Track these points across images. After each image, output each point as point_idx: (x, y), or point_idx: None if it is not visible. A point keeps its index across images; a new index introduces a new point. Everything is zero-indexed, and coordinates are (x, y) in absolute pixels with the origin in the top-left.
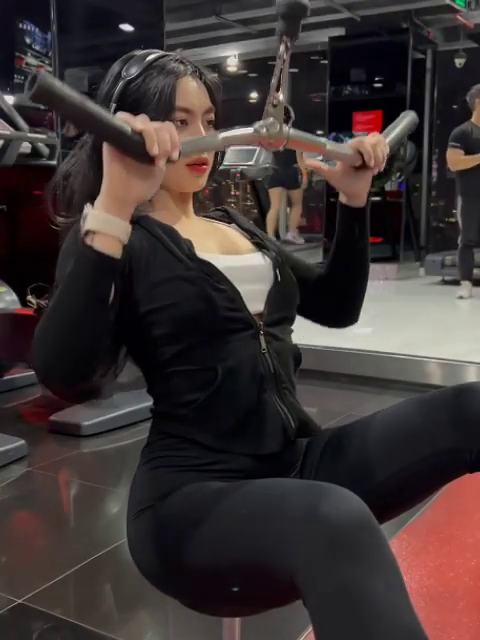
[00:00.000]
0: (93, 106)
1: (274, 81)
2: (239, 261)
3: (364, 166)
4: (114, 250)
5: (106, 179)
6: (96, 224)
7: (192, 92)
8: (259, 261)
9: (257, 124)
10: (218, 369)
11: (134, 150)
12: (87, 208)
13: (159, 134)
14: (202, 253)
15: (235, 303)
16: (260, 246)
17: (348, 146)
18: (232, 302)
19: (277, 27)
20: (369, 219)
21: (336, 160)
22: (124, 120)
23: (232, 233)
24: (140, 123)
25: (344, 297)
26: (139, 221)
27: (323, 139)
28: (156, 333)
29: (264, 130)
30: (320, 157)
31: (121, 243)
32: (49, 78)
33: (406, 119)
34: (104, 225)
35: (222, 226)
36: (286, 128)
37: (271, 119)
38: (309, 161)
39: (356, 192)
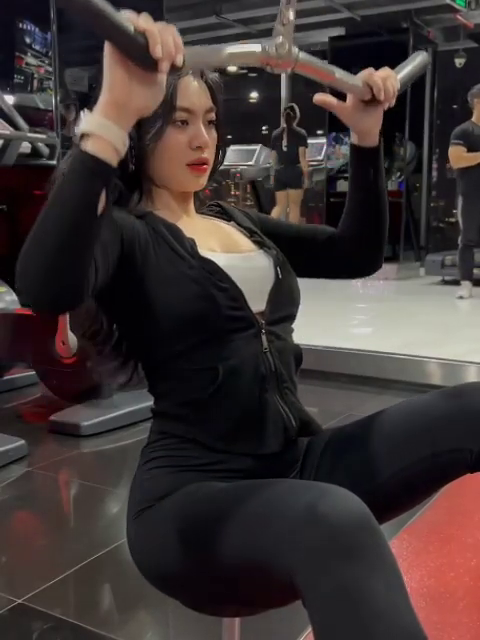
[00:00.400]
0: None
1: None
2: (241, 259)
3: (374, 100)
4: (109, 155)
5: (106, 84)
6: (92, 127)
7: (193, 92)
8: (261, 259)
9: (266, 42)
10: (219, 368)
11: (137, 51)
12: (84, 113)
13: (163, 35)
14: (204, 251)
15: (237, 302)
16: (260, 244)
17: (358, 78)
18: (234, 301)
19: None
20: (383, 161)
21: (345, 91)
22: (127, 18)
23: (232, 231)
24: (144, 22)
25: (367, 242)
26: (143, 216)
27: (332, 67)
28: (158, 331)
29: (273, 49)
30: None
31: (116, 152)
32: None
33: (418, 58)
34: (100, 129)
35: (222, 224)
36: (295, 49)
37: (280, 38)
38: (319, 96)
39: (366, 129)
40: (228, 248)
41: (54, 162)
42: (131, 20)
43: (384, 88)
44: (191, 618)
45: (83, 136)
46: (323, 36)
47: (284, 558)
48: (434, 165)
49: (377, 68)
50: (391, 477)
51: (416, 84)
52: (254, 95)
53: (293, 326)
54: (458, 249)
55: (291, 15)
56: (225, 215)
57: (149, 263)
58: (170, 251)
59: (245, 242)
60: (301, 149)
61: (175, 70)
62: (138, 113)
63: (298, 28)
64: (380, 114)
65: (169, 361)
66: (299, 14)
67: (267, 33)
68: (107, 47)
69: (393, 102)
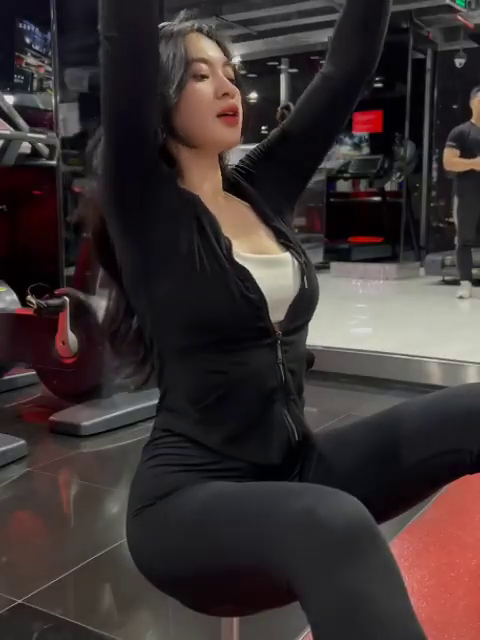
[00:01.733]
0: None
1: None
2: (269, 265)
3: None
4: None
5: None
6: None
7: (205, 45)
8: (288, 266)
9: None
10: (229, 374)
11: None
12: None
13: None
14: (238, 254)
15: (260, 312)
16: (287, 246)
17: None
18: (258, 311)
19: None
20: None
21: None
22: None
23: (258, 227)
24: None
25: (366, 30)
26: (193, 200)
27: None
28: (176, 321)
29: None
30: None
31: None
32: None
33: None
34: None
35: (245, 210)
36: None
37: None
38: None
39: None
40: (256, 249)
41: (54, 162)
42: None
43: None
44: (191, 618)
45: None
46: (323, 36)
47: (283, 561)
48: (434, 165)
49: (377, 69)
50: (391, 478)
51: (416, 84)
52: (254, 95)
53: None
54: (455, 249)
55: None
56: (241, 194)
57: (182, 243)
58: (208, 247)
59: (272, 243)
60: None
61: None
62: None
63: (298, 28)
64: None
65: (180, 357)
66: (299, 14)
67: (267, 34)
68: None
69: None
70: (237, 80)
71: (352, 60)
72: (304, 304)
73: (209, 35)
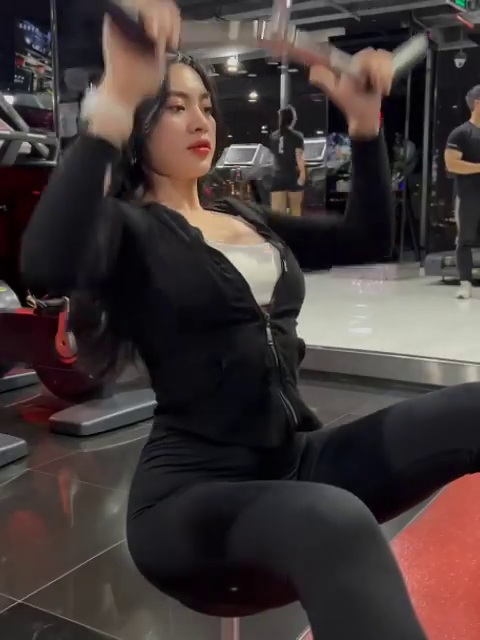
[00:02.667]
0: None
1: None
2: (247, 251)
3: (369, 87)
4: (114, 135)
5: (109, 64)
6: (98, 108)
7: (185, 77)
8: (267, 252)
9: (263, 24)
10: (223, 361)
11: (133, 29)
12: (90, 93)
13: (159, 13)
14: (210, 241)
15: (242, 293)
16: (267, 237)
17: (354, 63)
18: (239, 292)
19: None
20: (385, 147)
21: (340, 72)
22: None
23: (239, 224)
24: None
25: (374, 230)
26: (147, 206)
27: (330, 49)
28: (162, 322)
29: (269, 31)
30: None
31: (121, 132)
32: None
33: (417, 43)
34: (105, 110)
35: (229, 217)
36: (291, 32)
37: (276, 22)
38: (314, 75)
39: (364, 114)
40: (234, 240)
41: (54, 162)
42: None
43: (380, 76)
44: (191, 618)
45: (88, 117)
46: (323, 36)
47: (284, 559)
48: (434, 165)
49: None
50: (391, 477)
51: (416, 84)
52: (254, 95)
53: (297, 320)
54: (456, 249)
55: (288, 1)
56: (232, 210)
57: (153, 252)
58: (175, 239)
59: (252, 235)
60: (297, 151)
61: (171, 48)
62: (140, 92)
63: (298, 28)
64: (378, 100)
65: (173, 354)
66: (299, 14)
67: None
68: (106, 27)
69: (388, 90)
70: (214, 108)
71: (362, 249)
72: (289, 288)
73: (192, 65)
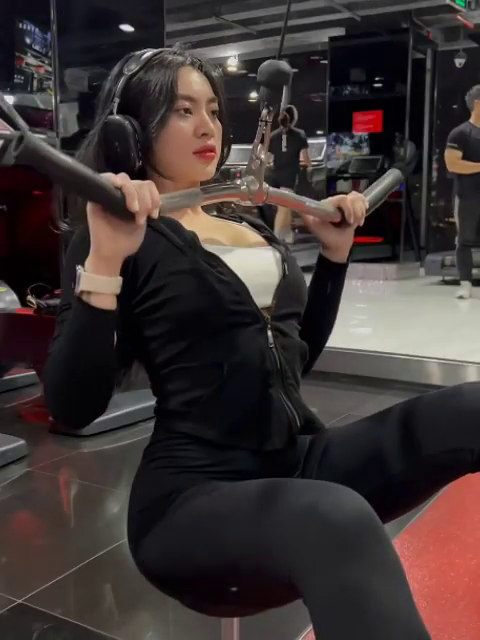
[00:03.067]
0: (77, 165)
1: (256, 141)
2: (247, 253)
3: (344, 222)
4: (109, 304)
5: (94, 241)
6: (89, 286)
7: (193, 81)
8: (268, 254)
9: (238, 181)
10: (224, 365)
11: (116, 207)
12: (79, 270)
13: (140, 191)
14: (207, 245)
15: (241, 296)
16: (270, 240)
17: (328, 202)
18: (237, 295)
19: (259, 93)
20: (345, 276)
21: (316, 216)
22: (106, 178)
23: (240, 227)
24: (120, 180)
25: (309, 331)
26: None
27: (302, 197)
28: (161, 329)
29: (244, 186)
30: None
31: (114, 296)
32: (35, 140)
33: (389, 177)
34: (96, 286)
35: (233, 223)
36: (266, 186)
37: (252, 177)
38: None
39: (335, 245)
40: (234, 242)
41: None
42: (110, 179)
43: (353, 211)
44: (191, 618)
45: (82, 293)
46: (323, 36)
47: (286, 557)
48: (434, 165)
49: (377, 68)
50: (393, 477)
51: (416, 84)
52: (254, 95)
53: (298, 325)
54: (456, 249)
55: (262, 156)
56: (238, 218)
57: (148, 264)
58: (170, 246)
59: (254, 237)
60: (303, 150)
61: (153, 219)
62: (124, 256)
63: (298, 28)
64: (351, 234)
65: (173, 359)
66: (299, 14)
67: (267, 34)
68: (89, 206)
69: (361, 222)
70: (222, 112)
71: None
72: (290, 290)
73: (201, 68)
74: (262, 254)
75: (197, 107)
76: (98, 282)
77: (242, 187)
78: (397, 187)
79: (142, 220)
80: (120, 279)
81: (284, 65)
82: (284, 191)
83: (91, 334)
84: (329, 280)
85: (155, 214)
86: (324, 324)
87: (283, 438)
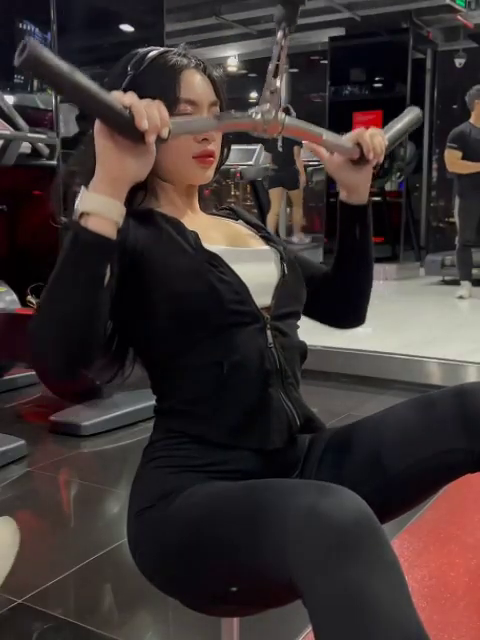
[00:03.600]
0: (83, 78)
1: (271, 67)
2: (247, 253)
3: (363, 159)
4: (109, 231)
5: (99, 160)
6: (90, 205)
7: (196, 84)
8: (267, 254)
9: (253, 109)
10: (224, 364)
11: (124, 125)
12: (82, 188)
13: (148, 110)
14: (208, 244)
15: (241, 296)
16: (268, 240)
17: (347, 138)
18: (238, 294)
19: (275, 13)
20: (371, 218)
21: (334, 151)
22: (114, 96)
23: (239, 227)
24: (128, 98)
25: (349, 297)
26: (144, 214)
27: (320, 129)
28: (161, 327)
29: (259, 116)
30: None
31: (116, 225)
32: (39, 46)
33: (409, 115)
34: (99, 206)
35: (229, 222)
36: (282, 115)
37: (267, 105)
38: (308, 144)
39: (355, 185)
40: (234, 242)
41: (54, 162)
42: (118, 98)
43: (372, 146)
44: (191, 618)
45: (82, 214)
46: (323, 36)
47: (285, 557)
48: (434, 165)
49: (377, 68)
50: (393, 477)
51: (416, 84)
52: (254, 95)
53: (298, 323)
54: (456, 249)
55: (278, 83)
56: (234, 215)
57: (150, 261)
58: (173, 245)
59: (252, 237)
60: (296, 149)
61: (161, 141)
62: (132, 182)
63: (298, 28)
64: (369, 172)
65: (173, 358)
66: (299, 14)
67: (267, 34)
68: (97, 125)
69: (381, 159)
70: None
71: (336, 310)
72: (289, 290)
73: (205, 71)
74: (261, 254)
75: (199, 111)
76: (100, 202)
77: (257, 117)
78: (417, 125)
79: (151, 139)
80: (123, 208)
81: None
82: (301, 122)
83: (85, 262)
84: (356, 224)
85: (164, 133)
86: (363, 271)
87: (283, 437)
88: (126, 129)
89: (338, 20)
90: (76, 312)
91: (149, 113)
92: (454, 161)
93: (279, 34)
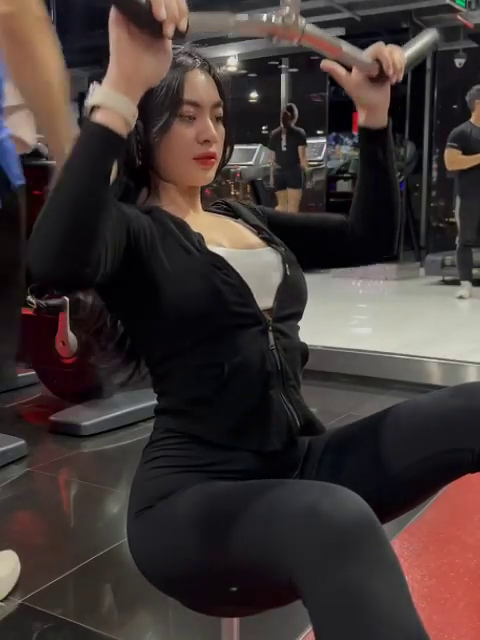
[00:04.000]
0: None
1: None
2: (249, 255)
3: (382, 76)
4: (119, 126)
5: (113, 55)
6: (102, 99)
7: (200, 86)
8: (269, 256)
9: (273, 12)
10: (225, 365)
11: (141, 14)
12: (94, 84)
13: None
14: (212, 246)
15: (244, 298)
16: (268, 241)
17: (366, 54)
18: (241, 297)
19: None
20: (392, 142)
21: (352, 66)
22: None
23: (240, 227)
24: None
25: (381, 225)
26: (150, 211)
27: (340, 41)
28: (163, 327)
29: (280, 19)
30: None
31: (126, 123)
32: None
33: (427, 36)
34: (110, 100)
35: (230, 221)
36: (302, 20)
37: (287, 9)
38: (326, 63)
39: (374, 104)
40: (236, 244)
41: (54, 162)
42: None
43: (392, 62)
44: (191, 618)
45: (93, 108)
46: None
47: (285, 558)
48: (434, 165)
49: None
50: (393, 477)
51: (416, 84)
52: (254, 95)
53: (299, 324)
54: (456, 249)
55: None
56: (232, 212)
57: (155, 257)
58: (177, 245)
59: (253, 238)
60: (300, 148)
61: (179, 35)
62: (146, 83)
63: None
64: (387, 90)
65: (174, 358)
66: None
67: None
68: (112, 14)
69: (400, 77)
70: (226, 115)
71: (367, 247)
72: (291, 292)
73: (209, 71)
74: (263, 256)
75: (201, 113)
76: (111, 97)
77: (277, 20)
78: (435, 48)
79: (170, 30)
80: (136, 108)
81: None
82: (321, 31)
83: (92, 156)
84: (378, 147)
85: (183, 25)
86: (391, 194)
87: (282, 439)
88: (144, 18)
89: (338, 20)
90: (78, 205)
91: (167, 2)
92: (454, 159)
93: None
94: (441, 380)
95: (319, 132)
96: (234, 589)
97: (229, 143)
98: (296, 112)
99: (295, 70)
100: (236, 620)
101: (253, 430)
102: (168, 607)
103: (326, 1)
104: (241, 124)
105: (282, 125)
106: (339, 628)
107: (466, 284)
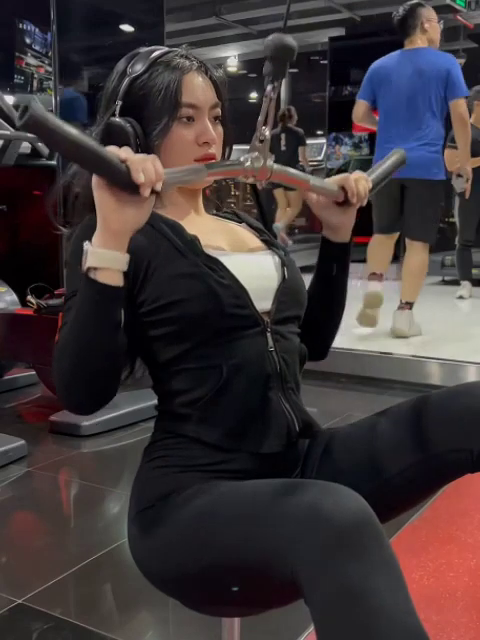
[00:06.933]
0: (81, 136)
1: (261, 118)
2: (247, 258)
3: (347, 202)
4: (117, 281)
5: (100, 214)
6: (96, 261)
7: (198, 88)
8: (267, 258)
9: (242, 157)
10: (223, 367)
11: (121, 179)
12: (86, 245)
13: (144, 164)
14: (209, 249)
15: (241, 300)
16: (269, 244)
17: (332, 182)
18: (238, 298)
19: (264, 68)
20: (350, 259)
21: (320, 194)
22: (110, 151)
23: (242, 231)
24: (124, 153)
25: (315, 330)
26: (153, 221)
27: (307, 175)
28: (162, 331)
29: (248, 163)
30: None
31: (122, 274)
32: (41, 109)
33: (393, 157)
34: (104, 261)
35: (232, 225)
36: (270, 162)
37: (256, 153)
38: (304, 193)
39: (339, 225)
40: (235, 247)
41: (54, 162)
42: (114, 153)
43: (357, 191)
44: (191, 618)
45: (89, 269)
46: (323, 36)
47: (286, 557)
48: None
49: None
50: (392, 477)
51: None
52: (254, 95)
53: (298, 328)
54: (456, 250)
55: (267, 133)
56: (237, 218)
57: (150, 269)
58: (171, 249)
59: (253, 241)
60: (300, 148)
61: (156, 193)
62: (132, 230)
63: (298, 28)
64: (353, 213)
65: (174, 361)
66: (299, 14)
67: (267, 33)
68: (94, 180)
69: (364, 202)
70: (224, 116)
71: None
72: (290, 294)
73: (206, 73)
74: (262, 258)
75: (200, 114)
76: (105, 257)
77: (246, 164)
78: (401, 167)
79: (147, 192)
80: (127, 256)
81: (289, 39)
82: (288, 168)
83: (98, 312)
84: (334, 261)
85: (159, 187)
86: (332, 306)
87: (281, 441)
88: (123, 182)
89: (338, 20)
90: (93, 356)
91: (144, 167)
92: (455, 160)
93: (268, 88)
94: (441, 380)
95: (319, 132)
96: (235, 589)
97: (228, 143)
98: (294, 113)
99: (295, 70)
100: (237, 620)
101: (252, 432)
102: (168, 607)
103: (326, 1)
104: (241, 124)
105: (281, 126)
106: (339, 627)
107: (466, 284)
